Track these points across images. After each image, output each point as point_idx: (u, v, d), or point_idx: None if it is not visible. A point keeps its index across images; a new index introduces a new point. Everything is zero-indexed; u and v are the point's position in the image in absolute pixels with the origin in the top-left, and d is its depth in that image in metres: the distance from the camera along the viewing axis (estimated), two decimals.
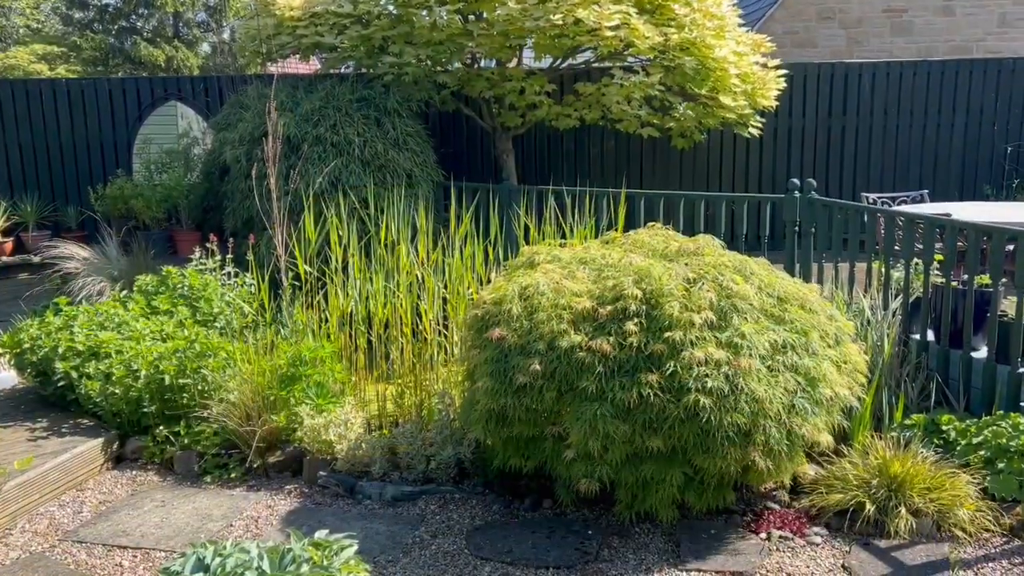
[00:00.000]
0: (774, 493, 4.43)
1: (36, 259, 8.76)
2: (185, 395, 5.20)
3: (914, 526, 4.00)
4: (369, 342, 5.88)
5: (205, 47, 24.88)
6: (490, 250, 6.02)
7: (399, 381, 5.70)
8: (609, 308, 4.05)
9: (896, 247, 5.64)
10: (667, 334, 3.92)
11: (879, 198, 8.03)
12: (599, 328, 4.04)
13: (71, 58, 22.61)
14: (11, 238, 9.15)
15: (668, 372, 3.86)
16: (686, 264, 4.30)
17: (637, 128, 8.36)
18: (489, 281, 5.84)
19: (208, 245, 6.76)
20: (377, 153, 7.69)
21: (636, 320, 3.99)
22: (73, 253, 7.18)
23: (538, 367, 3.98)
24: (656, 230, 4.94)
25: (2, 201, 9.21)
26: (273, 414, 4.99)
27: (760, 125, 8.96)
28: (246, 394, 5.04)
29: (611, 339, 3.96)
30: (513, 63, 8.78)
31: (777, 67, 8.87)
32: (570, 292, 4.20)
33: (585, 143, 10.24)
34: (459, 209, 8.32)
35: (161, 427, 5.15)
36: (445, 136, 9.96)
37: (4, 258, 9.01)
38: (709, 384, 3.80)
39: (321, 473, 4.67)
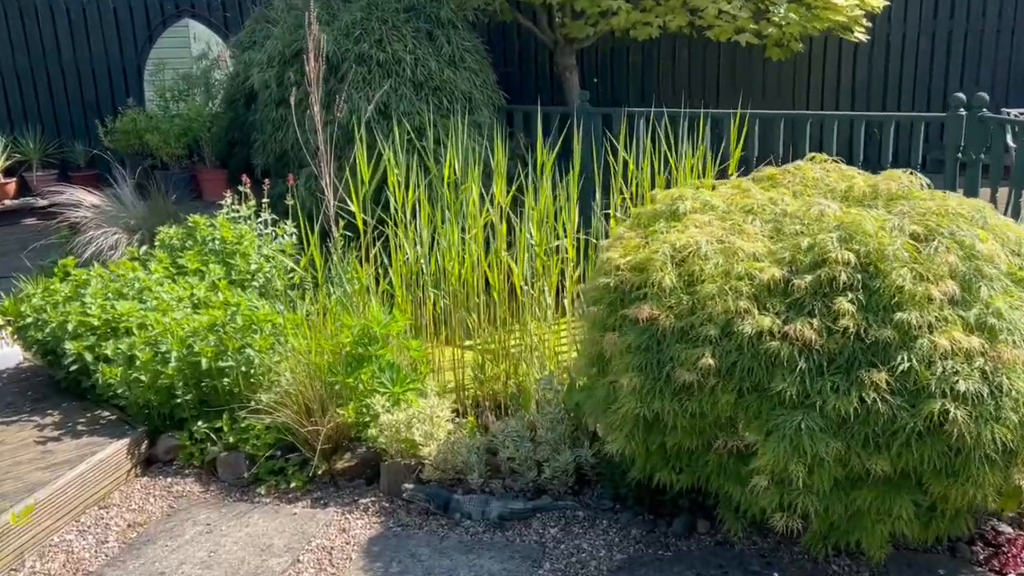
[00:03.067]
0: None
1: (42, 202, 7.70)
2: (227, 380, 4.19)
3: None
4: (443, 307, 4.83)
5: None
6: (574, 190, 4.90)
7: (478, 346, 4.67)
8: (808, 278, 2.96)
9: None
10: (896, 315, 2.84)
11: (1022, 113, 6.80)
12: (795, 306, 2.96)
13: None
14: (13, 179, 8.07)
15: (899, 369, 2.79)
16: (903, 213, 3.18)
17: (731, 35, 7.12)
18: (605, 235, 4.74)
19: (241, 188, 5.67)
20: (431, 73, 6.52)
21: (849, 295, 2.90)
22: (81, 199, 6.12)
23: (710, 361, 2.92)
24: (827, 164, 3.80)
25: (0, 137, 8.10)
26: (339, 406, 3.97)
27: (866, 28, 7.67)
28: (302, 380, 4.01)
29: (814, 322, 2.89)
30: None
31: None
32: (745, 255, 3.10)
33: (654, 57, 8.97)
34: (527, 138, 7.18)
35: (199, 422, 4.15)
36: (496, 53, 8.71)
37: (6, 201, 7.95)
38: (960, 385, 2.73)
39: (406, 486, 3.67)
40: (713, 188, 3.78)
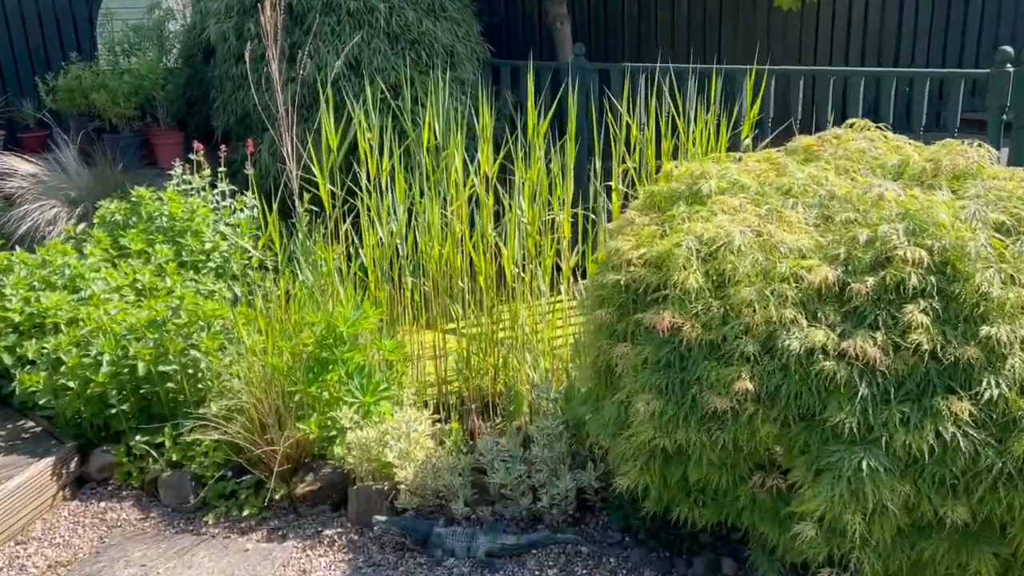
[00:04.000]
0: None
1: None
2: (171, 385, 3.61)
3: None
4: (423, 293, 4.24)
5: None
6: (570, 157, 4.28)
7: (462, 332, 4.10)
8: (870, 282, 2.39)
9: None
10: (982, 329, 2.27)
11: None
12: (853, 316, 2.39)
13: None
14: None
15: (984, 396, 2.24)
16: (978, 197, 2.60)
17: None
18: (606, 212, 4.14)
19: (193, 157, 5.02)
20: (408, 24, 5.84)
21: (922, 303, 2.33)
22: (15, 167, 5.45)
23: (748, 384, 2.36)
24: (871, 132, 3.22)
25: None
26: (299, 419, 3.40)
27: None
28: (256, 389, 3.43)
29: (878, 337, 2.32)
30: None
31: None
32: (788, 250, 2.52)
33: (651, 7, 8.28)
34: (515, 96, 6.53)
35: (139, 435, 3.58)
36: (480, 1, 8.01)
37: None
38: None
39: (378, 518, 3.11)
40: (738, 160, 3.20)
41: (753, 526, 2.67)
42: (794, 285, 2.44)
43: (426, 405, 4.10)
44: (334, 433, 3.39)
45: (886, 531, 2.34)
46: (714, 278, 2.55)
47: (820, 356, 2.33)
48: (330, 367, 3.43)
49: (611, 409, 2.75)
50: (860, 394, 2.29)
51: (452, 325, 4.20)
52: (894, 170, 2.93)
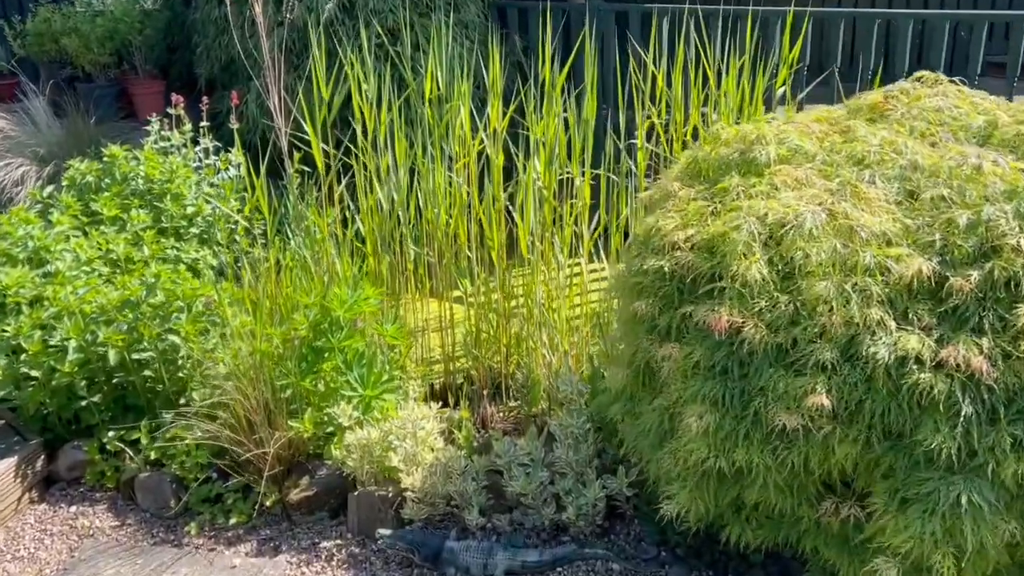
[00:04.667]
0: None
1: None
2: (149, 373, 3.22)
3: None
4: (426, 264, 3.83)
5: None
6: (590, 110, 3.82)
7: (472, 305, 3.71)
8: (974, 276, 1.98)
9: None
10: None
11: None
12: (952, 318, 2.00)
13: None
14: None
15: None
16: None
17: None
18: (630, 175, 3.71)
19: (171, 111, 4.57)
20: None
21: None
22: None
23: (824, 399, 1.97)
24: (945, 86, 2.78)
25: None
26: (291, 415, 3.02)
27: None
28: (244, 376, 3.04)
29: (983, 343, 1.93)
30: None
31: None
32: (870, 235, 2.11)
33: None
34: (525, 40, 6.02)
35: (112, 430, 3.20)
36: None
37: None
38: None
39: (382, 532, 2.75)
40: (790, 121, 2.77)
41: (816, 551, 2.31)
42: (879, 279, 2.04)
43: (432, 389, 3.74)
44: (331, 429, 3.01)
45: (980, 571, 1.98)
46: (780, 268, 2.15)
47: (913, 366, 1.94)
48: (325, 356, 3.03)
49: (652, 416, 2.36)
50: (962, 413, 1.91)
51: (459, 293, 3.80)
52: (980, 134, 2.51)
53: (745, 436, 2.09)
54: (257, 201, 3.81)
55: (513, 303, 3.76)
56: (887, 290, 2.02)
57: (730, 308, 2.12)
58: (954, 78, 2.88)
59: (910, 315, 2.01)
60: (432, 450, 2.89)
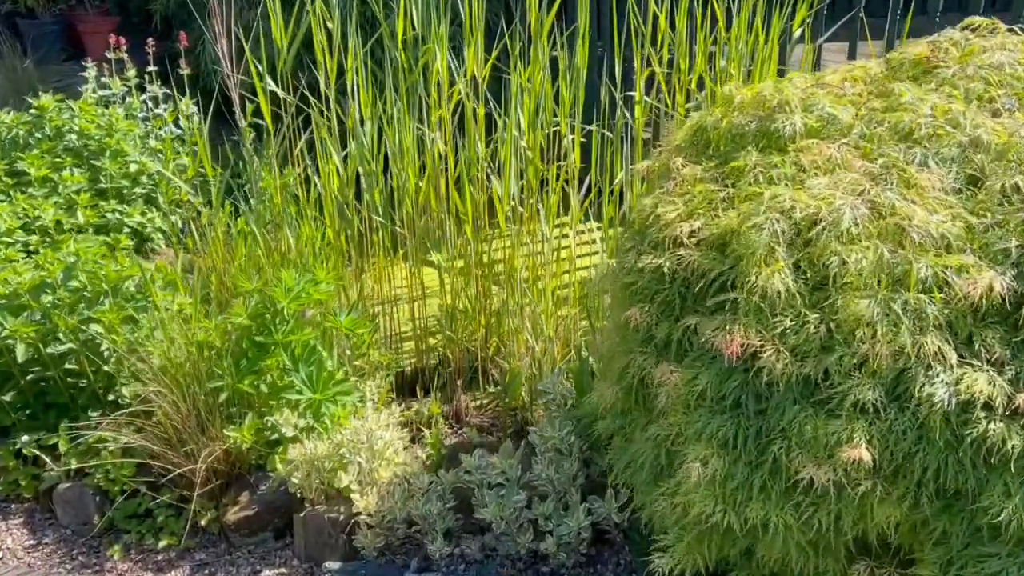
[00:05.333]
0: None
1: None
2: (72, 366, 2.81)
3: None
4: (393, 235, 3.38)
5: None
6: (582, 58, 3.31)
7: (444, 274, 3.28)
8: None
9: None
10: None
11: None
12: None
13: None
14: None
15: None
16: None
17: None
18: (626, 132, 3.24)
19: (111, 54, 4.06)
20: None
21: None
22: None
23: (864, 453, 1.55)
24: (1004, 37, 2.30)
25: None
26: (230, 423, 2.60)
27: None
28: (179, 371, 2.62)
29: None
30: None
31: None
32: (924, 236, 1.67)
33: None
34: None
35: (26, 434, 2.79)
36: None
37: None
38: None
39: (330, 566, 2.37)
40: (816, 81, 2.29)
41: None
42: (938, 296, 1.60)
43: (402, 374, 3.33)
44: (276, 436, 2.60)
45: None
46: (808, 277, 1.71)
47: (980, 413, 1.52)
48: (268, 352, 2.61)
49: (646, 447, 1.95)
50: None
51: (433, 257, 3.35)
52: None
53: (761, 488, 1.68)
54: (200, 162, 3.36)
55: (493, 281, 3.33)
56: (946, 311, 1.59)
57: (745, 326, 1.69)
58: (1013, 27, 2.40)
59: (975, 344, 1.58)
60: (391, 463, 2.48)
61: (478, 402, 3.26)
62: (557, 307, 3.27)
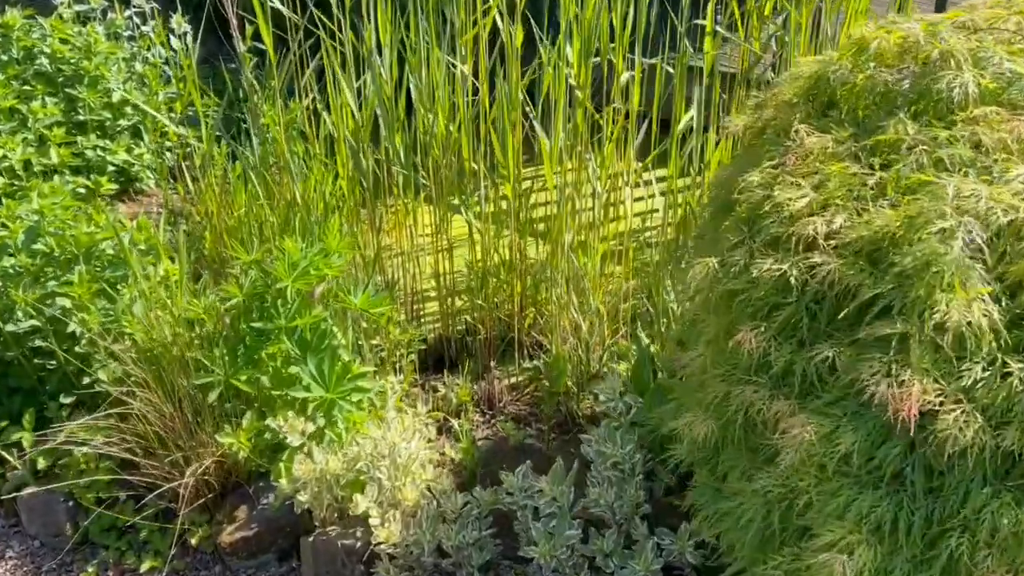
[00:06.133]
0: None
1: None
2: (38, 343, 2.37)
3: None
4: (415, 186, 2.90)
5: None
6: None
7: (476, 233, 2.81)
8: None
9: None
10: None
11: None
12: None
13: None
14: None
15: None
16: None
17: None
18: (699, 75, 2.71)
19: None
20: None
21: None
22: None
23: None
24: None
25: None
26: (226, 422, 2.17)
27: None
28: (162, 353, 2.18)
29: None
30: None
31: None
32: None
33: None
34: None
35: None
36: None
37: None
38: None
39: None
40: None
41: None
42: None
43: (425, 343, 2.89)
44: (279, 440, 2.17)
45: None
46: (1008, 306, 1.24)
47: None
48: (269, 340, 2.17)
49: (753, 502, 1.51)
50: None
51: (457, 200, 2.86)
52: None
53: None
54: (188, 94, 2.86)
55: (532, 234, 2.86)
56: None
57: (921, 373, 1.23)
58: None
59: None
60: (417, 480, 2.06)
61: (513, 379, 2.83)
62: (606, 266, 2.80)
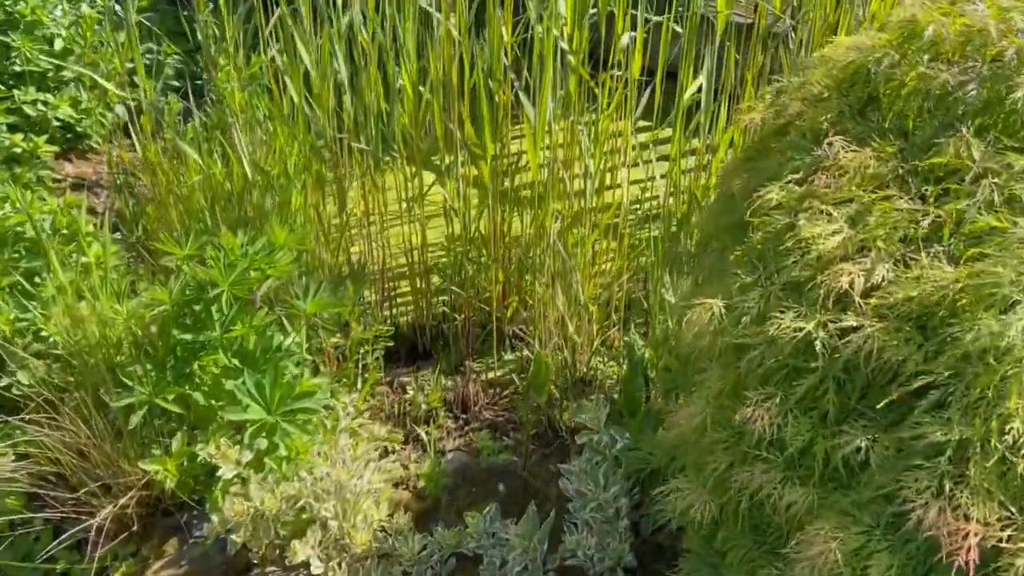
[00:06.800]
0: None
1: None
2: None
3: None
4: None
5: None
6: None
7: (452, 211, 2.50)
8: None
9: None
10: None
11: None
12: None
13: None
14: None
15: None
16: None
17: None
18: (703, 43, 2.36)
19: None
20: None
21: None
22: None
23: None
24: None
25: None
26: (152, 452, 1.89)
27: None
28: (87, 362, 1.90)
29: None
30: None
31: None
32: None
33: None
34: None
35: None
36: None
37: None
38: None
39: None
40: None
41: None
42: None
43: (396, 329, 2.60)
44: (212, 465, 1.90)
45: None
46: None
47: None
48: (202, 350, 1.87)
49: None
50: None
51: (439, 160, 2.54)
52: None
53: None
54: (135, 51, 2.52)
55: (515, 224, 2.55)
56: None
57: (984, 496, 0.94)
58: None
59: None
60: (369, 521, 1.79)
61: (492, 373, 2.55)
62: (600, 242, 2.49)
